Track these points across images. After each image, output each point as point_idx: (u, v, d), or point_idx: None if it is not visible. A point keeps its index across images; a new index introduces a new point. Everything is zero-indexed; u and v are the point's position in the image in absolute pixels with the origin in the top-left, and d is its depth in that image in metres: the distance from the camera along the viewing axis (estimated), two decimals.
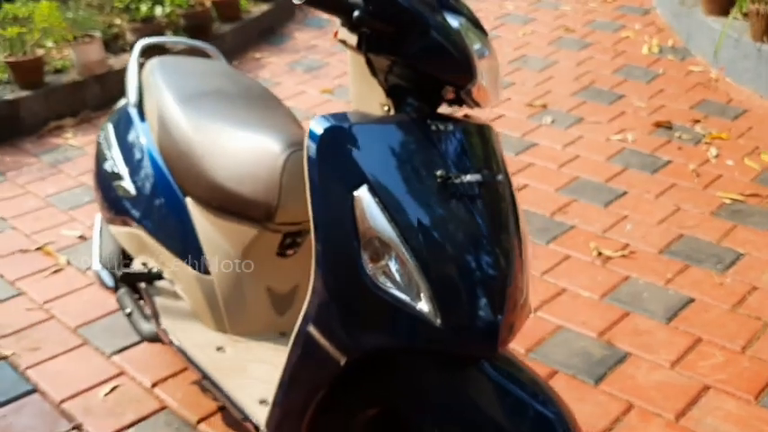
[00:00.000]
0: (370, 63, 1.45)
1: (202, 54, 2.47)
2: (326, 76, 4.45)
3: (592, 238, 2.88)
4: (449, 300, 1.33)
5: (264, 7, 5.10)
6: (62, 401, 2.19)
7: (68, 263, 2.86)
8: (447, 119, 1.47)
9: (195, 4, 4.63)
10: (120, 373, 2.30)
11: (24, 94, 4.02)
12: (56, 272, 2.82)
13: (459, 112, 1.57)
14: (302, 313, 1.46)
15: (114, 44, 4.48)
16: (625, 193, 3.18)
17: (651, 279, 2.65)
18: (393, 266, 1.34)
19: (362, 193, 1.34)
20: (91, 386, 2.25)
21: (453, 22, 1.42)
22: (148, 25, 4.38)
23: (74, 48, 4.17)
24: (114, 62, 4.34)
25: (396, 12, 1.37)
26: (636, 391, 2.17)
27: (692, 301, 2.53)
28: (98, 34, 4.26)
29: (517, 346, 2.36)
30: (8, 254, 2.94)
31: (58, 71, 4.25)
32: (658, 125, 3.68)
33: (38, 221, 3.16)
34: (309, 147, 1.39)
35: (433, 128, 1.41)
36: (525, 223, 1.53)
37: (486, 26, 1.54)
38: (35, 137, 3.93)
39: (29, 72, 4.07)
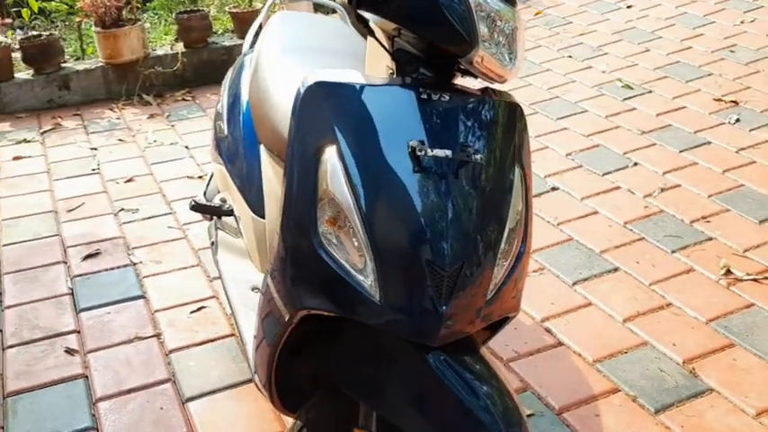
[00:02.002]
0: (361, 20, 1.30)
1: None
2: None
3: (727, 255, 2.41)
4: (392, 278, 1.17)
5: None
6: (156, 311, 2.33)
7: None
8: (455, 90, 1.28)
9: None
10: (212, 297, 2.39)
11: (240, 42, 4.29)
12: None
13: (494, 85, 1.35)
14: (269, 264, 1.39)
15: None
16: None
17: None
18: (346, 233, 1.21)
19: (329, 154, 1.22)
20: (184, 303, 2.36)
21: None
22: None
23: (286, 5, 4.35)
24: None
25: None
26: None
27: None
28: None
29: (585, 353, 2.05)
30: (177, 178, 3.18)
31: None
32: None
33: None
34: (296, 97, 1.30)
35: (424, 96, 1.23)
36: (524, 216, 1.29)
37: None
38: None
39: (247, 23, 4.30)
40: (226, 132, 2.09)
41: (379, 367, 1.26)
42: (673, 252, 2.45)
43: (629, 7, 4.56)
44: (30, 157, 3.43)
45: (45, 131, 3.69)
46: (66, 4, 4.27)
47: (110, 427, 1.88)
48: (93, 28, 4.02)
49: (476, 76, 1.32)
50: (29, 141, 3.59)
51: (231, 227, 2.02)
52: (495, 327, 1.42)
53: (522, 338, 2.13)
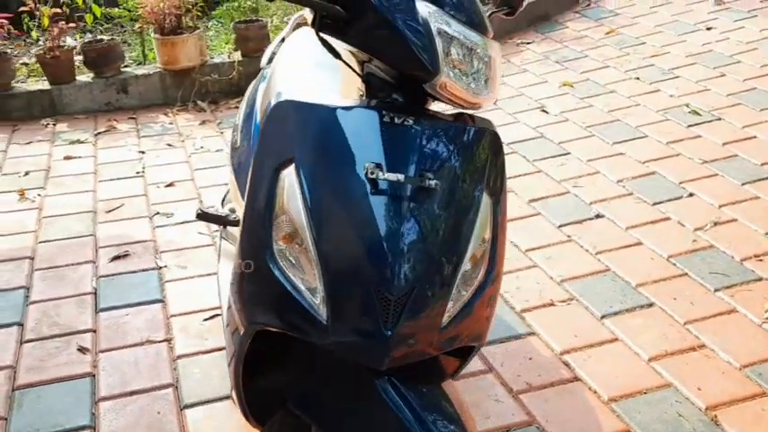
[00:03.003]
0: (325, 43, 1.34)
1: None
2: (576, 69, 4.14)
3: None
4: (339, 299, 1.21)
5: None
6: (171, 316, 2.42)
7: None
8: (426, 115, 1.31)
9: None
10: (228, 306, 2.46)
11: None
12: None
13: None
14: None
15: None
16: None
17: None
18: (302, 251, 1.25)
19: (288, 172, 1.27)
20: (199, 309, 2.44)
21: (424, 9, 1.23)
22: None
23: None
24: None
25: None
26: None
27: None
28: None
29: (601, 391, 2.00)
30: (217, 184, 3.27)
31: None
32: None
33: None
34: (264, 113, 1.35)
35: (386, 119, 1.26)
36: (493, 245, 1.30)
37: None
38: None
39: None
40: (239, 143, 2.16)
41: (327, 389, 1.29)
42: (716, 291, 2.36)
43: (708, 29, 4.43)
44: (80, 157, 3.63)
45: (98, 133, 3.91)
46: (129, 10, 4.51)
47: (106, 427, 1.97)
48: (152, 34, 4.24)
49: (440, 101, 1.35)
50: (82, 142, 3.80)
51: (235, 237, 2.09)
52: (463, 356, 1.41)
53: (536, 370, 2.10)
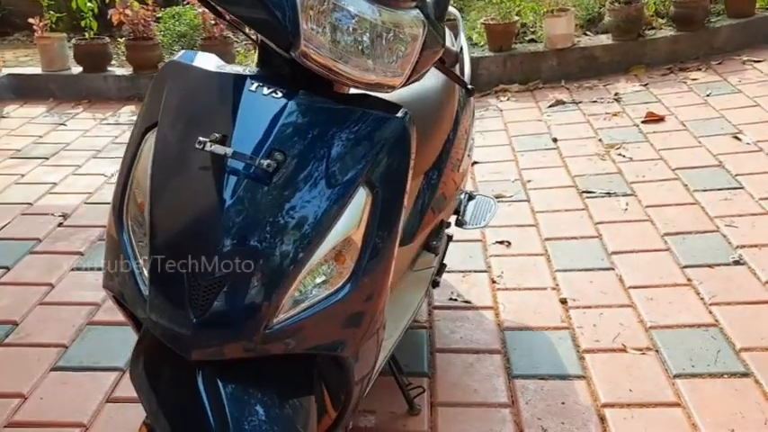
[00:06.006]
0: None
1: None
2: None
3: None
4: (159, 276, 1.17)
5: None
6: None
7: None
8: (316, 92, 1.20)
9: None
10: None
11: (489, 54, 4.32)
12: None
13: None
14: None
15: (592, 25, 4.38)
16: None
17: None
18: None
19: (149, 136, 1.26)
20: None
21: None
22: (628, 7, 4.11)
23: (546, 19, 4.24)
24: (583, 40, 4.25)
25: None
26: None
27: None
28: (571, 10, 4.22)
29: None
30: None
31: (531, 40, 4.40)
32: None
33: None
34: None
35: (251, 88, 1.17)
36: (365, 249, 1.17)
37: None
38: (478, 93, 4.21)
39: (501, 36, 4.33)
40: None
41: (154, 368, 1.23)
42: None
43: None
44: None
45: None
46: None
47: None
48: None
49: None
50: None
51: None
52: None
53: (562, 417, 1.82)
